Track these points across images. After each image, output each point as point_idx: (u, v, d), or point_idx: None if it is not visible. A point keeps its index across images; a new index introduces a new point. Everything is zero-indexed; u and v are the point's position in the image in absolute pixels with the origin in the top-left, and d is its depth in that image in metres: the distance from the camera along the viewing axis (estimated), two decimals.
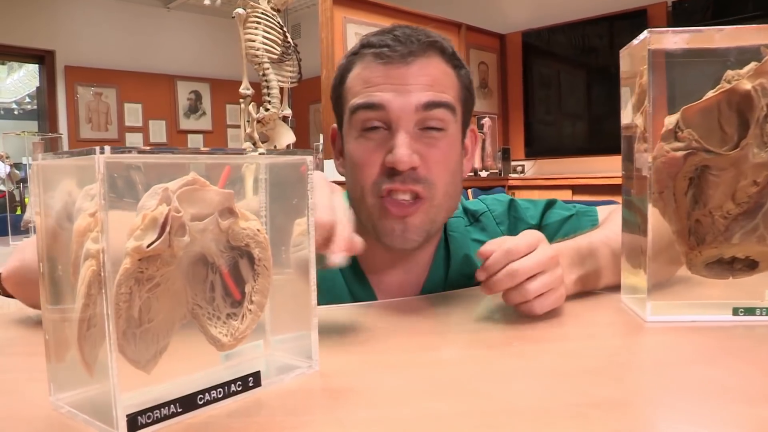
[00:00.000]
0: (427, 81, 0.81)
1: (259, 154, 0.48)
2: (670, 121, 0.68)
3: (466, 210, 1.03)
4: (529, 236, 0.71)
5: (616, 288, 0.81)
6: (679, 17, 4.27)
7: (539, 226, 1.00)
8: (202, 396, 0.42)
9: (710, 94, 0.65)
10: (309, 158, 0.49)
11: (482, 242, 0.99)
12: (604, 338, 0.65)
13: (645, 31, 0.66)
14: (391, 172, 0.81)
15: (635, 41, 0.71)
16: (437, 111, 0.81)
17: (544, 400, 0.45)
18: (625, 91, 0.77)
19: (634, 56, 0.73)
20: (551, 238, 0.93)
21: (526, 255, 0.68)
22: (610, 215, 0.95)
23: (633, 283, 0.75)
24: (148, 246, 0.39)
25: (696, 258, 0.69)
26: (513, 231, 1.00)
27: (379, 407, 0.44)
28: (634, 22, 4.70)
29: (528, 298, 0.67)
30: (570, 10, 5.01)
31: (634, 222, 0.73)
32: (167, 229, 0.40)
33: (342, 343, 0.60)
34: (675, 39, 0.66)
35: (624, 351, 0.60)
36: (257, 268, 0.46)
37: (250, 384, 0.45)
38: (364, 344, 0.61)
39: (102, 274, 0.37)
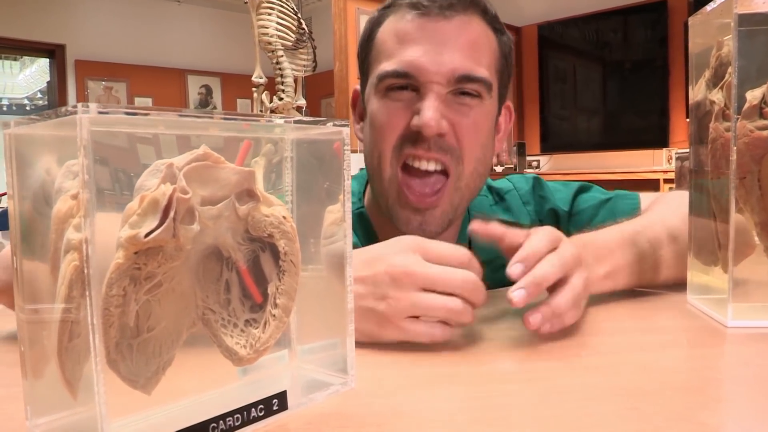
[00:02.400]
0: (465, 42, 0.74)
1: (285, 122, 0.39)
2: (754, 96, 0.58)
3: (490, 188, 0.94)
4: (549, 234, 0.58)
5: (673, 286, 0.72)
6: None
7: (569, 213, 0.91)
8: (215, 424, 0.34)
9: None
10: (345, 131, 0.41)
11: (508, 224, 0.90)
12: (683, 347, 0.55)
13: None
14: (415, 137, 0.73)
15: (711, 5, 0.61)
16: (472, 85, 0.74)
17: (639, 428, 0.36)
18: (694, 66, 0.67)
19: (709, 24, 0.64)
20: (584, 225, 0.83)
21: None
22: (658, 201, 0.85)
23: (704, 282, 0.65)
24: (147, 235, 0.31)
25: None
26: (539, 212, 0.92)
27: None
28: (653, 14, 4.58)
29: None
30: (588, 1, 4.89)
31: (707, 214, 0.64)
32: (171, 214, 0.31)
33: (371, 352, 0.51)
34: None
35: (711, 362, 0.50)
36: (282, 264, 0.37)
37: (275, 408, 0.37)
38: (399, 353, 0.52)
39: (86, 271, 0.28)
